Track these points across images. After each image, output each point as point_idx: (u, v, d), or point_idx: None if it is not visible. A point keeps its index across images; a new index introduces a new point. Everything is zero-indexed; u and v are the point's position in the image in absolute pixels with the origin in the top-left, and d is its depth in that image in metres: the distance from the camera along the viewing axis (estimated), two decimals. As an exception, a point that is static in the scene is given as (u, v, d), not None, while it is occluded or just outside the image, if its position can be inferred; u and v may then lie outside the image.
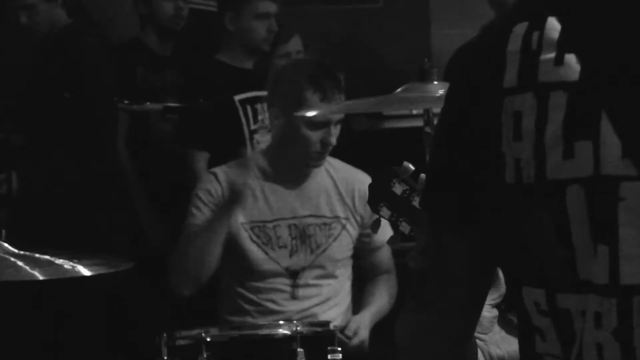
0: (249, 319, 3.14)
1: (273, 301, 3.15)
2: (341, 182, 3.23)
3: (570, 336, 1.12)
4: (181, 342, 2.71)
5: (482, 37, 1.23)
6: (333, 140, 3.12)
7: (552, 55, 1.13)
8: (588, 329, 1.10)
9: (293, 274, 3.16)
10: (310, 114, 2.97)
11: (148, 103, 3.59)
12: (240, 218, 3.15)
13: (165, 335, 2.71)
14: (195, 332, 2.71)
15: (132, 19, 4.29)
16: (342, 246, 3.21)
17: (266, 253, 3.15)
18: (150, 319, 3.63)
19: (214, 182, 3.19)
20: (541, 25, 1.15)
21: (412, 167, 2.04)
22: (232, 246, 3.15)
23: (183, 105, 3.79)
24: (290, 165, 3.20)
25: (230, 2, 3.98)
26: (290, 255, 3.16)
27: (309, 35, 4.28)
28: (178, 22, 4.15)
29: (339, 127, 3.14)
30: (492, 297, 1.75)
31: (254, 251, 3.14)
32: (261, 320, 3.08)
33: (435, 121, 2.50)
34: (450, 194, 1.20)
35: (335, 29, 4.81)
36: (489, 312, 1.82)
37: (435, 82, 2.54)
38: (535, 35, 1.14)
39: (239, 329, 2.87)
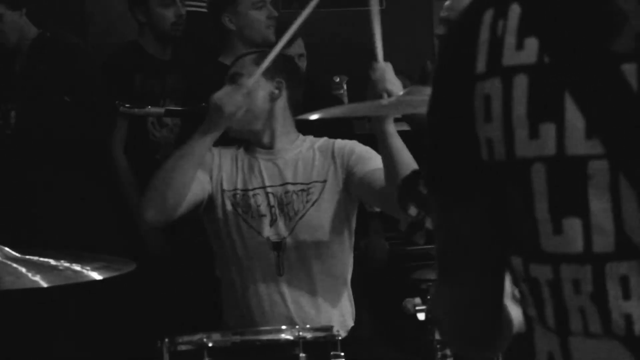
0: (243, 311, 3.10)
1: (261, 280, 3.09)
2: (320, 149, 3.19)
3: (541, 303, 1.22)
4: (183, 347, 2.70)
5: (458, 27, 1.29)
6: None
7: (514, 40, 1.19)
8: (569, 295, 1.19)
9: (276, 246, 3.10)
10: (312, 117, 2.95)
11: (149, 107, 3.58)
12: (223, 186, 3.14)
13: (167, 340, 2.69)
14: (197, 337, 2.70)
15: (132, 22, 4.27)
16: (324, 211, 3.11)
17: (246, 221, 3.12)
18: (151, 323, 3.62)
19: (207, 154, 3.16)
20: (505, 12, 1.21)
21: None
22: (219, 222, 3.12)
23: (185, 108, 3.78)
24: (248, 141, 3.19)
25: (223, 2, 3.98)
26: (270, 224, 3.11)
27: (312, 38, 4.27)
28: (178, 29, 4.14)
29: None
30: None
31: (237, 222, 3.12)
32: (262, 324, 3.05)
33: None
34: (443, 174, 1.28)
35: (337, 32, 4.80)
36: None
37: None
38: (501, 22, 1.21)
39: (241, 334, 2.85)
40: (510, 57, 1.19)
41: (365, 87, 2.89)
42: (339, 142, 3.19)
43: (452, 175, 1.27)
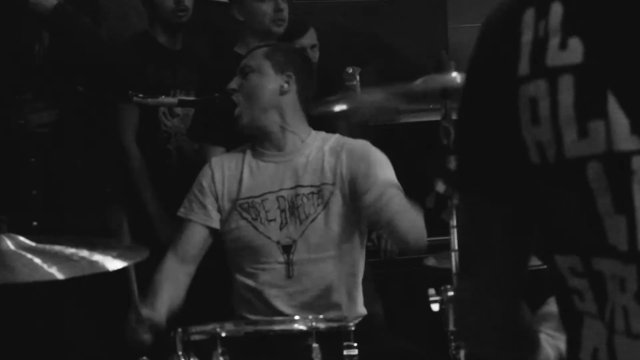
0: (250, 307, 3.12)
1: (270, 283, 3.11)
2: (330, 150, 3.18)
3: (603, 296, 1.21)
4: (196, 337, 2.69)
5: (496, 26, 1.27)
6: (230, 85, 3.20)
7: (557, 40, 1.19)
8: (615, 293, 1.19)
9: (286, 249, 3.11)
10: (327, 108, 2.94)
11: (163, 96, 3.57)
12: (231, 196, 3.16)
13: (180, 330, 2.69)
14: (210, 327, 2.69)
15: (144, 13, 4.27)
16: (335, 213, 3.11)
17: (256, 228, 3.12)
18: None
19: (206, 171, 3.23)
20: (546, 12, 1.20)
21: None
22: (227, 228, 3.15)
23: (197, 99, 3.78)
24: (259, 128, 3.18)
25: None
26: (280, 228, 3.12)
27: (325, 29, 4.26)
28: (181, 15, 4.11)
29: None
30: None
31: (245, 228, 3.13)
32: (269, 314, 3.06)
33: (453, 115, 2.49)
34: (479, 174, 1.28)
35: (351, 23, 4.79)
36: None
37: (454, 74, 2.52)
38: (542, 23, 1.20)
39: (254, 324, 2.86)
40: (554, 57, 1.19)
41: (379, 76, 2.87)
42: (349, 145, 3.17)
43: (489, 176, 1.27)
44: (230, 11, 4.01)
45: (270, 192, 3.13)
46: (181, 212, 3.23)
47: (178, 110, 4.09)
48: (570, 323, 1.26)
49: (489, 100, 1.25)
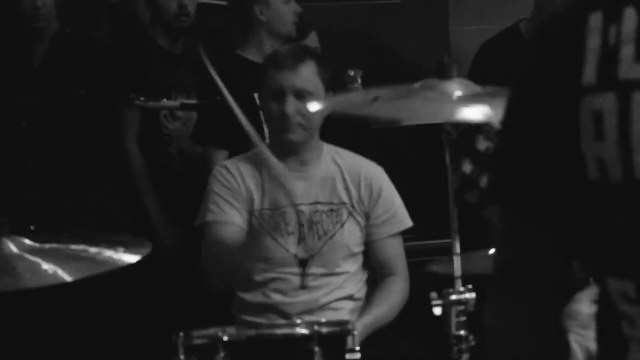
0: (259, 314, 3.12)
1: (283, 292, 3.12)
2: (348, 170, 3.20)
3: None
4: (198, 341, 2.69)
5: (555, 28, 1.17)
6: (288, 109, 3.09)
7: (632, 50, 1.08)
8: None
9: (302, 263, 3.13)
10: (324, 105, 2.96)
11: (165, 100, 3.57)
12: (250, 206, 3.14)
13: (182, 334, 2.69)
14: (212, 331, 2.69)
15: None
16: (350, 233, 3.16)
17: (275, 239, 3.12)
18: (166, 317, 3.62)
19: (227, 175, 3.19)
20: (618, 17, 1.10)
21: (497, 125, 2.01)
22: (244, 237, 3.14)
23: (199, 102, 3.77)
24: (282, 148, 3.15)
25: None
26: (299, 242, 3.14)
27: (326, 32, 4.26)
28: (183, 20, 4.10)
29: (309, 101, 3.09)
30: (593, 293, 1.72)
31: (264, 238, 3.12)
32: (277, 320, 3.06)
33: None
34: (522, 186, 1.19)
35: (352, 25, 4.78)
36: (587, 309, 1.78)
37: (455, 78, 2.51)
38: (613, 29, 1.10)
39: (256, 328, 2.85)
40: (628, 69, 1.09)
41: (381, 79, 2.87)
42: (366, 171, 3.19)
43: (538, 191, 1.18)
44: (251, 11, 3.96)
45: (290, 206, 3.14)
46: (210, 217, 3.15)
47: (179, 113, 4.08)
48: (614, 347, 1.20)
49: (544, 109, 1.15)
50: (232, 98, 2.94)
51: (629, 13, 1.09)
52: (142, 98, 3.51)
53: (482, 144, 2.11)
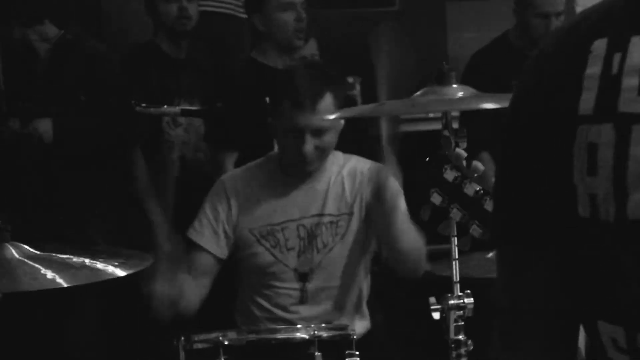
0: (256, 323, 3.12)
1: (283, 307, 3.12)
2: (348, 174, 3.17)
3: None
4: (199, 345, 2.71)
5: (557, 49, 1.09)
6: (306, 149, 3.02)
7: (635, 82, 1.00)
8: None
9: (302, 277, 3.12)
10: (329, 117, 2.95)
11: (165, 106, 3.59)
12: (248, 224, 3.13)
13: (183, 338, 2.70)
14: (213, 335, 2.71)
15: (149, 21, 4.29)
16: (348, 244, 3.13)
17: (274, 256, 3.12)
18: (167, 322, 3.63)
19: (222, 195, 3.16)
20: (623, 46, 1.01)
21: (464, 154, 2.02)
22: (242, 252, 3.14)
23: (200, 108, 3.78)
24: (293, 169, 3.15)
25: (255, 2, 3.97)
26: (298, 256, 3.12)
27: (325, 39, 4.28)
28: (184, 23, 4.11)
29: (326, 136, 3.05)
30: None
31: (263, 254, 3.12)
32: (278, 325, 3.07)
33: (454, 124, 2.50)
34: (522, 222, 1.10)
35: (351, 32, 4.80)
36: None
37: (454, 85, 2.54)
38: (617, 57, 1.02)
39: (256, 332, 2.86)
40: (630, 102, 1.00)
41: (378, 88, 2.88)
42: (367, 172, 3.15)
43: (533, 227, 1.09)
44: (252, 23, 3.97)
45: (291, 220, 3.12)
46: (192, 233, 3.14)
47: (181, 119, 4.09)
48: None
49: (538, 138, 1.06)
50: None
51: (637, 42, 1.01)
52: (143, 104, 3.52)
53: (450, 175, 2.10)
